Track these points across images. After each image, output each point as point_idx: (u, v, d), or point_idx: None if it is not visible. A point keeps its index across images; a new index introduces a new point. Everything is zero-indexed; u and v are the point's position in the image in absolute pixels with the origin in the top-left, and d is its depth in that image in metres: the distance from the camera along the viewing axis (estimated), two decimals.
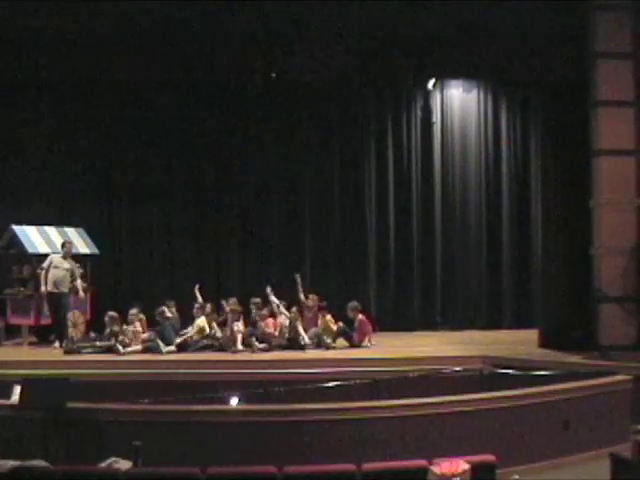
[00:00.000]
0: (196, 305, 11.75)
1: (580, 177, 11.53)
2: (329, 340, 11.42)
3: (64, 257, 11.70)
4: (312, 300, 12.01)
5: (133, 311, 11.46)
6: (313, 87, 13.62)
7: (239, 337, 11.10)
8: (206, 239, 14.20)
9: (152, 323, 11.61)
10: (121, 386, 9.34)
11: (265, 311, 11.80)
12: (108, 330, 11.10)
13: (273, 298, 12.00)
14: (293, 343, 11.33)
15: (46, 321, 11.91)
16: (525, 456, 7.71)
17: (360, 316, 11.73)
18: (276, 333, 11.54)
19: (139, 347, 11.02)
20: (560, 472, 7.77)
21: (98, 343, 11.05)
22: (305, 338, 11.33)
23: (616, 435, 8.19)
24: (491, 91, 14.44)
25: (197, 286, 12.06)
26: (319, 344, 11.39)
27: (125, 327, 11.26)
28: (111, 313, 11.33)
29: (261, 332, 11.37)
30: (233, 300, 12.03)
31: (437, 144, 14.41)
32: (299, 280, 12.22)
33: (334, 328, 11.62)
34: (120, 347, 10.80)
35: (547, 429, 8.02)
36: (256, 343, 11.15)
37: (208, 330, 11.48)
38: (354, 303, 11.85)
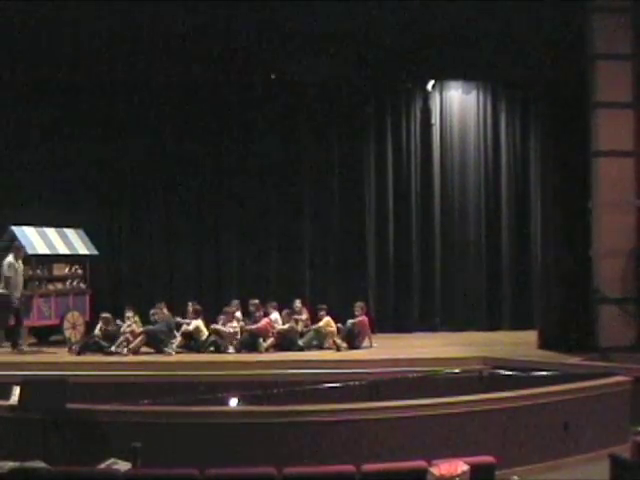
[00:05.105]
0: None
1: (579, 178, 11.53)
2: (336, 341, 11.44)
3: None
4: (298, 305, 12.13)
5: (129, 314, 11.45)
6: (313, 88, 13.65)
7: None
8: (205, 240, 14.20)
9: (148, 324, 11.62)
10: (120, 387, 9.34)
11: (260, 312, 11.81)
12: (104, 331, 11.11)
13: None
14: (291, 344, 11.35)
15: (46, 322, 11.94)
16: (524, 457, 7.71)
17: (362, 317, 11.72)
18: (276, 327, 11.57)
19: (138, 344, 11.04)
20: (559, 473, 7.77)
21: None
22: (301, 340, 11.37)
23: (615, 436, 8.18)
24: (490, 92, 14.43)
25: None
26: (318, 346, 11.42)
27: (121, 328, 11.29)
28: (105, 315, 11.33)
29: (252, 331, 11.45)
30: (235, 302, 12.16)
31: (436, 145, 14.40)
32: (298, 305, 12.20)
33: (333, 330, 11.63)
34: (119, 348, 10.83)
35: (546, 430, 8.01)
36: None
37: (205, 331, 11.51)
38: (361, 303, 11.94)
